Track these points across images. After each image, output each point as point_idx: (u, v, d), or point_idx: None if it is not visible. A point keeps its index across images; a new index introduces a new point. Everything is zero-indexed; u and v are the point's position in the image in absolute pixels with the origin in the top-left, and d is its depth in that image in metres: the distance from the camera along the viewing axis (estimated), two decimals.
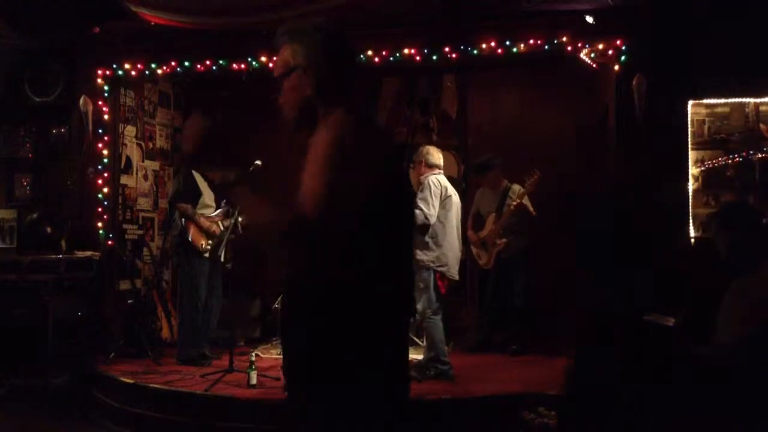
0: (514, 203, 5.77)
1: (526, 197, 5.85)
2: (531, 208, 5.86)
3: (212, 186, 5.62)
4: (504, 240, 5.86)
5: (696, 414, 3.20)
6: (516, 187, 5.93)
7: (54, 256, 5.72)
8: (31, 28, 5.66)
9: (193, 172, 5.57)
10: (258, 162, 5.20)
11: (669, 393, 3.27)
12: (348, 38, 2.03)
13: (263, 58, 5.91)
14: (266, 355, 5.80)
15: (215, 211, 5.60)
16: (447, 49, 5.60)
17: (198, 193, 5.52)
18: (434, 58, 5.66)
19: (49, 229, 6.02)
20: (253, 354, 4.88)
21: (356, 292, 1.78)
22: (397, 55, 5.63)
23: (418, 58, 5.65)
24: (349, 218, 1.76)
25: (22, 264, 5.67)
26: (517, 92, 6.88)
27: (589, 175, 6.19)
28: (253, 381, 4.62)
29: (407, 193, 2.38)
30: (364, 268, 1.79)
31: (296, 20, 2.02)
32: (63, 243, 5.92)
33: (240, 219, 5.14)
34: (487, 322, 6.10)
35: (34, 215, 6.11)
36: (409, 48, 5.60)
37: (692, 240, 5.31)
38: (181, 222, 5.42)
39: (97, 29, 5.83)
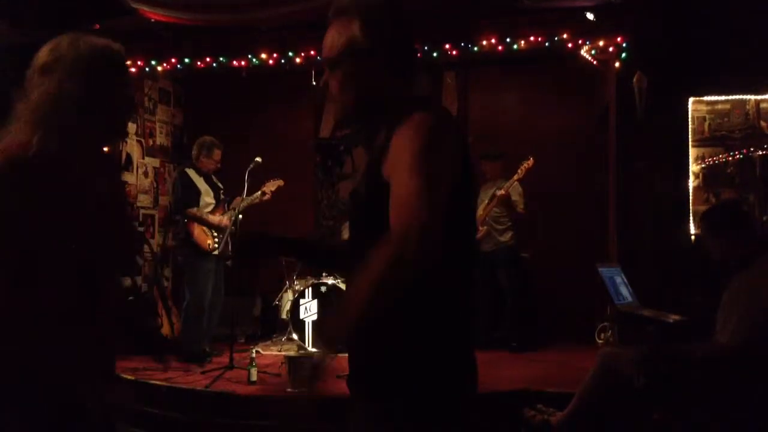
0: (500, 191, 5.69)
1: (517, 187, 5.78)
2: (520, 205, 5.79)
3: (208, 180, 5.59)
4: (484, 228, 5.79)
5: (696, 412, 3.21)
6: (510, 182, 5.84)
7: None
8: (31, 26, 5.65)
9: (186, 170, 5.54)
10: (258, 159, 5.21)
11: (669, 390, 3.28)
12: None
13: (263, 55, 5.91)
14: (266, 352, 5.81)
15: (216, 206, 5.56)
16: (447, 46, 5.60)
17: (197, 192, 5.49)
18: (435, 55, 5.66)
19: None
20: (254, 351, 4.88)
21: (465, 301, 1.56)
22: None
23: (418, 55, 5.63)
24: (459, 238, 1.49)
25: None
26: (517, 89, 6.89)
27: (589, 173, 6.20)
28: (254, 378, 4.62)
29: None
30: (467, 280, 1.57)
31: None
32: None
33: (240, 213, 5.15)
34: (485, 318, 6.09)
35: None
36: None
37: (692, 237, 5.31)
38: (185, 222, 5.40)
39: (98, 26, 5.82)
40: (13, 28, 5.30)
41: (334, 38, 1.58)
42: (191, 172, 5.52)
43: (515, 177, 5.73)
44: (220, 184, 5.64)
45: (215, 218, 5.46)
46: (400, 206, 1.33)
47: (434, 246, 1.29)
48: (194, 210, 5.40)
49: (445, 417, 1.49)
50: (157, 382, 4.74)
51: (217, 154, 5.53)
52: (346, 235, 6.44)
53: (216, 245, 5.41)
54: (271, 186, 5.52)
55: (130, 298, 6.26)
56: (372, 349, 1.49)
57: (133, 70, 6.19)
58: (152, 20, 5.45)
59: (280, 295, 6.30)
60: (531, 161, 5.71)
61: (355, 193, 1.61)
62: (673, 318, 3.55)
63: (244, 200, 5.27)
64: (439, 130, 1.44)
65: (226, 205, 5.59)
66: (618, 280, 3.79)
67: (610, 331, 5.40)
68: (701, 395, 3.18)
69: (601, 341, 5.50)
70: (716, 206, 4.46)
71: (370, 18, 1.56)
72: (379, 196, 1.41)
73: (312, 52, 5.84)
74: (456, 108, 7.11)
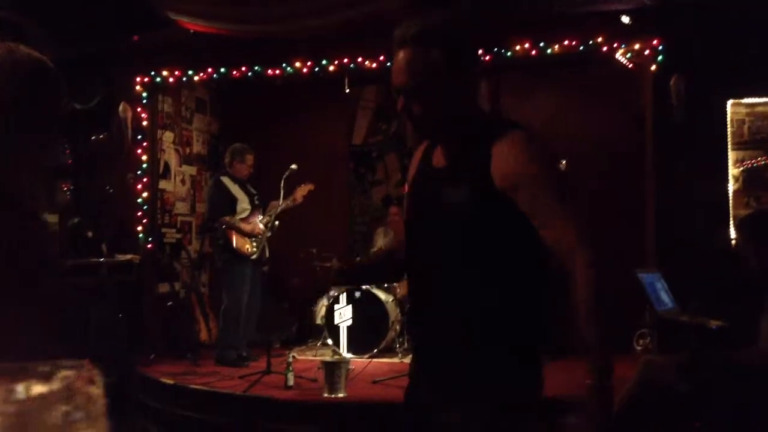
0: None
1: None
2: None
3: (243, 186, 5.66)
4: None
5: (738, 420, 3.15)
6: None
7: (95, 260, 5.85)
8: (71, 37, 5.80)
9: (221, 178, 5.63)
10: (293, 166, 5.27)
11: (711, 398, 3.22)
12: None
13: (297, 64, 5.98)
14: (302, 357, 5.85)
15: (251, 211, 5.63)
16: (480, 52, 5.59)
17: (233, 200, 5.56)
18: None
19: (90, 234, 6.16)
20: (290, 356, 4.93)
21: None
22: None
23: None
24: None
25: (64, 268, 5.80)
26: (551, 94, 6.84)
27: (624, 177, 6.13)
28: (291, 382, 4.67)
29: None
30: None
31: (424, 19, 1.66)
32: (104, 247, 6.05)
33: (276, 219, 5.21)
34: None
35: (75, 220, 6.26)
36: None
37: (733, 241, 5.21)
38: (223, 229, 5.48)
39: (136, 38, 5.96)
40: (60, 42, 5.45)
41: (410, 64, 1.62)
42: (226, 180, 5.59)
43: None
44: (254, 191, 5.71)
45: (248, 226, 5.53)
46: (560, 218, 1.61)
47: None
48: (227, 218, 5.48)
49: (536, 417, 1.67)
50: (196, 387, 4.81)
51: (249, 159, 5.60)
52: (380, 241, 6.51)
53: (255, 250, 5.47)
54: (302, 191, 5.56)
55: (169, 303, 6.41)
56: (482, 352, 1.63)
57: (171, 80, 6.32)
58: (191, 31, 5.56)
59: (315, 300, 6.35)
60: (565, 165, 5.67)
61: (446, 201, 1.67)
62: (715, 324, 3.49)
63: (278, 206, 5.33)
64: (543, 143, 1.65)
65: (262, 210, 5.66)
66: (658, 286, 3.74)
67: (649, 338, 5.33)
68: (744, 403, 3.13)
69: (639, 348, 5.42)
70: (754, 213, 4.38)
71: (452, 47, 1.63)
72: (490, 203, 1.59)
73: (345, 60, 5.89)
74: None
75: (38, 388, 0.51)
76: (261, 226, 5.53)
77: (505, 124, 1.65)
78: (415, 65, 1.61)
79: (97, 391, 0.48)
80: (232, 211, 5.52)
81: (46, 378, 0.51)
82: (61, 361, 0.52)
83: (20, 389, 0.51)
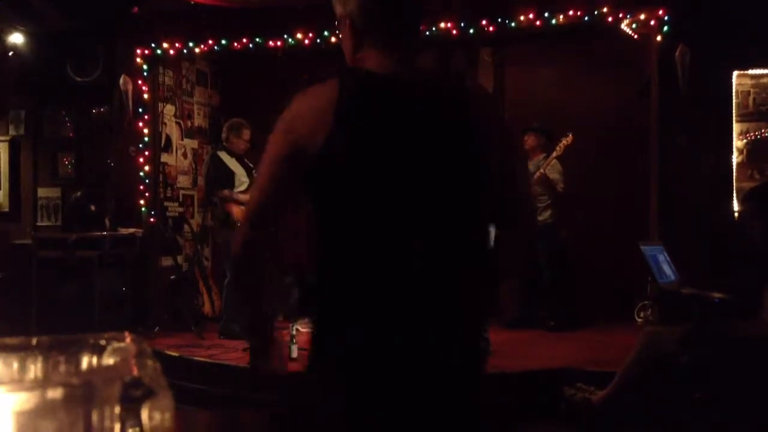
0: (538, 172, 5.63)
1: (556, 165, 5.71)
2: (560, 184, 5.71)
3: (240, 160, 5.64)
4: None
5: (738, 391, 3.17)
6: (548, 160, 5.77)
7: (98, 234, 5.86)
8: (72, 9, 5.75)
9: (218, 153, 5.62)
10: None
11: (712, 370, 3.25)
12: None
13: (299, 35, 5.92)
14: (305, 329, 5.89)
15: (249, 185, 5.63)
16: (484, 22, 5.54)
17: (230, 174, 5.56)
18: (471, 31, 5.60)
19: (92, 207, 6.18)
20: (294, 328, 4.95)
21: None
22: (434, 29, 5.57)
23: (454, 32, 5.59)
24: None
25: (68, 241, 5.82)
26: (555, 66, 6.78)
27: (629, 149, 6.10)
28: (294, 354, 4.69)
29: None
30: None
31: None
32: (107, 220, 6.06)
33: None
34: (524, 296, 6.08)
35: (78, 193, 6.26)
36: (446, 21, 5.54)
37: (736, 213, 5.21)
38: (222, 203, 5.49)
39: (136, 9, 5.90)
40: (60, 14, 5.40)
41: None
42: (223, 155, 5.59)
43: (554, 154, 5.67)
44: (251, 164, 5.70)
45: (245, 197, 5.53)
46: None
47: None
48: (226, 191, 5.48)
49: None
50: (201, 359, 4.86)
51: (246, 134, 5.59)
52: None
53: None
54: None
55: (172, 277, 6.44)
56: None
57: (171, 52, 6.27)
58: (191, 2, 5.50)
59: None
60: (570, 138, 5.64)
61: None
62: (717, 296, 3.50)
63: None
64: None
65: None
66: (661, 258, 3.74)
67: (650, 310, 5.35)
68: (745, 374, 3.15)
69: (641, 320, 5.45)
70: (761, 185, 4.36)
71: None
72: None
73: None
74: (492, 85, 7.04)
75: (96, 361, 0.51)
76: None
77: None
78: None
79: (152, 362, 0.48)
80: (230, 184, 5.53)
81: (100, 350, 0.51)
82: (103, 333, 0.52)
83: (83, 361, 0.51)
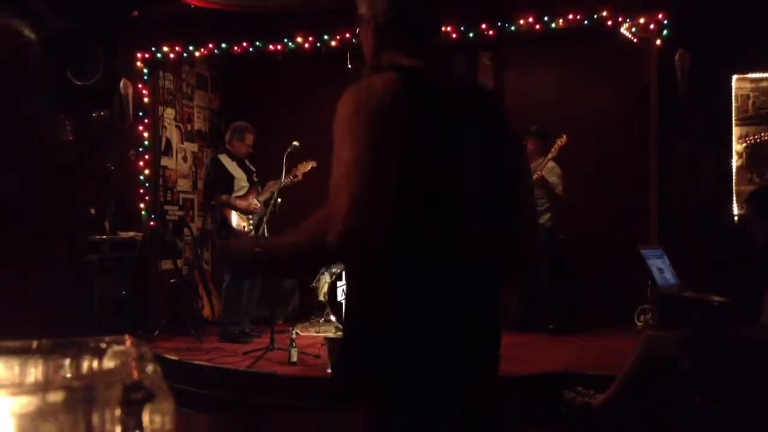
0: (536, 175, 5.62)
1: (555, 169, 5.70)
2: (558, 187, 5.69)
3: (241, 164, 5.64)
4: None
5: (738, 395, 3.17)
6: (543, 162, 5.75)
7: (98, 237, 5.86)
8: (72, 12, 5.75)
9: (218, 156, 5.61)
10: (295, 143, 5.25)
11: (712, 374, 3.24)
12: None
13: (299, 39, 5.93)
14: (305, 333, 5.89)
15: (249, 189, 5.63)
16: (484, 26, 5.55)
17: (230, 178, 5.56)
18: (471, 35, 5.61)
19: (92, 211, 6.17)
20: (293, 332, 4.95)
21: None
22: None
23: (454, 35, 5.60)
24: None
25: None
26: (554, 69, 6.79)
27: (628, 153, 6.11)
28: (294, 358, 4.70)
29: None
30: None
31: None
32: (107, 224, 6.06)
33: (277, 197, 5.21)
34: (524, 300, 6.08)
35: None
36: (446, 25, 5.55)
37: (735, 217, 5.21)
38: (220, 207, 5.49)
39: (136, 13, 5.91)
40: (60, 18, 5.41)
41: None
42: (223, 158, 5.59)
43: (549, 156, 5.67)
44: (252, 168, 5.70)
45: (243, 203, 5.53)
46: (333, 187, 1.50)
47: None
48: (223, 196, 5.48)
49: None
50: (200, 363, 4.85)
51: (249, 138, 5.59)
52: None
53: (251, 227, 5.49)
54: (303, 168, 5.54)
55: (172, 280, 6.43)
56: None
57: (172, 55, 6.28)
58: (192, 6, 5.50)
59: (317, 277, 6.37)
60: (564, 139, 5.63)
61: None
62: (717, 300, 3.50)
63: (276, 183, 5.32)
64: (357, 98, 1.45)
65: (259, 188, 5.66)
66: (661, 262, 3.74)
67: (650, 314, 5.35)
68: (744, 378, 3.14)
69: (640, 324, 5.45)
70: (764, 186, 4.37)
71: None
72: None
73: (347, 35, 5.84)
74: (492, 88, 7.05)
75: (97, 364, 0.51)
76: (256, 202, 5.55)
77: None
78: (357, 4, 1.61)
79: (152, 366, 0.48)
80: (230, 188, 5.53)
81: (100, 353, 0.51)
82: (103, 336, 0.52)
83: (84, 364, 0.51)
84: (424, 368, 1.42)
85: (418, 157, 1.39)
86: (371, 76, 1.46)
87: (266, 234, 5.50)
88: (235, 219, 5.47)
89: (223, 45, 6.11)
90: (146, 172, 6.30)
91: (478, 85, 1.67)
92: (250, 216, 5.53)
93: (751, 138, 5.31)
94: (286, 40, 5.97)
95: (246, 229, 5.47)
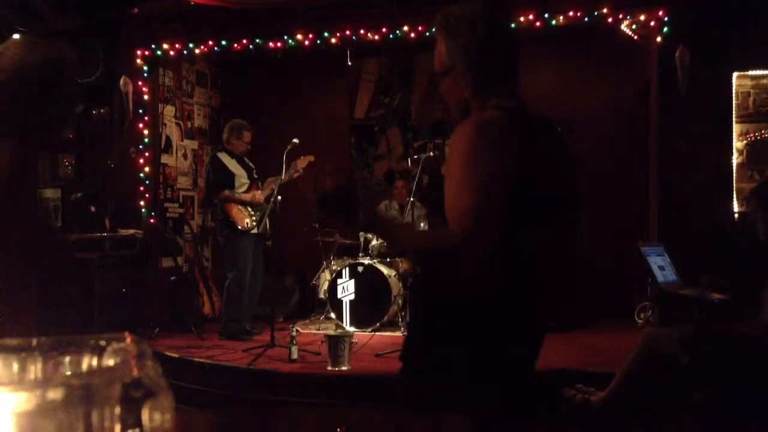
0: None
1: None
2: None
3: (240, 161, 5.64)
4: None
5: (738, 392, 3.17)
6: None
7: (98, 234, 5.86)
8: (71, 9, 5.74)
9: (218, 154, 5.61)
10: (295, 140, 5.25)
11: (712, 370, 3.24)
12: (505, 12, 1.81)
13: (299, 36, 5.93)
14: (305, 330, 5.89)
15: (248, 186, 5.64)
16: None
17: (231, 175, 5.55)
18: None
19: (92, 208, 6.17)
20: (294, 329, 4.95)
21: None
22: (433, 30, 5.55)
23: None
24: None
25: (68, 242, 5.82)
26: (555, 66, 6.78)
27: (628, 150, 6.10)
28: (294, 355, 4.70)
29: None
30: None
31: (452, 8, 1.73)
32: (107, 221, 6.06)
33: (278, 193, 5.20)
34: None
35: (78, 194, 6.25)
36: None
37: (736, 215, 5.21)
38: (222, 205, 5.49)
39: (136, 10, 5.90)
40: (60, 15, 5.40)
41: (436, 53, 1.74)
42: (223, 156, 5.58)
43: None
44: (251, 165, 5.70)
45: (247, 196, 5.54)
46: (452, 214, 1.65)
47: None
48: (227, 191, 5.48)
49: None
50: (200, 360, 4.85)
51: (247, 136, 5.59)
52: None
53: (254, 224, 5.49)
54: (302, 163, 5.53)
55: (173, 278, 6.43)
56: None
57: (171, 53, 6.27)
58: (191, 3, 5.50)
59: (317, 274, 6.37)
60: None
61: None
62: (717, 297, 3.50)
63: (276, 180, 5.31)
64: (480, 134, 1.61)
65: (259, 185, 5.66)
66: (661, 259, 3.74)
67: (650, 311, 5.35)
68: (745, 375, 3.15)
69: (641, 321, 5.45)
70: (764, 182, 4.37)
71: (451, 37, 1.69)
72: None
73: (347, 33, 5.83)
74: None
75: (97, 361, 0.51)
76: (260, 194, 5.55)
77: (472, 116, 1.68)
78: (437, 54, 1.73)
79: (152, 363, 0.48)
80: (231, 186, 5.52)
81: (100, 351, 0.51)
82: (102, 334, 0.52)
83: (83, 362, 0.51)
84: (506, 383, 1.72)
85: (524, 185, 1.58)
86: (485, 115, 1.62)
87: (268, 229, 5.50)
88: (237, 216, 5.47)
89: (223, 42, 6.11)
90: (146, 169, 6.30)
91: (547, 118, 1.78)
92: (252, 213, 5.53)
93: (751, 135, 5.31)
94: (286, 37, 5.96)
95: (248, 226, 5.47)
